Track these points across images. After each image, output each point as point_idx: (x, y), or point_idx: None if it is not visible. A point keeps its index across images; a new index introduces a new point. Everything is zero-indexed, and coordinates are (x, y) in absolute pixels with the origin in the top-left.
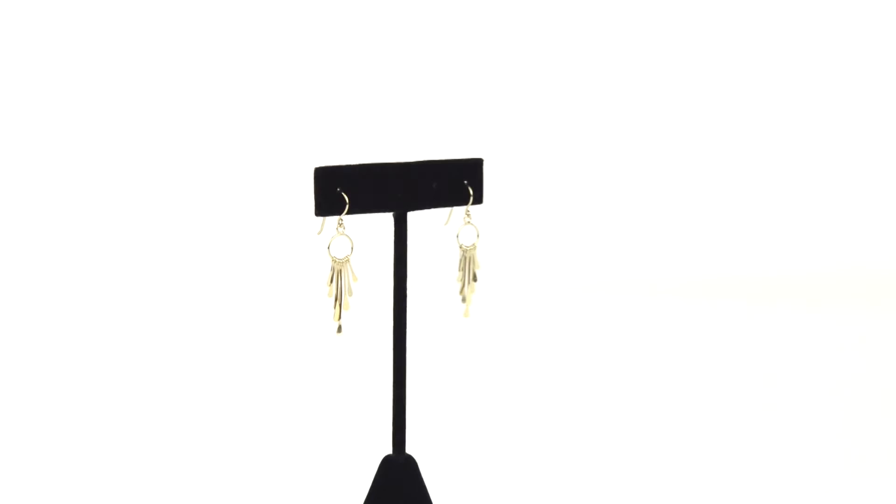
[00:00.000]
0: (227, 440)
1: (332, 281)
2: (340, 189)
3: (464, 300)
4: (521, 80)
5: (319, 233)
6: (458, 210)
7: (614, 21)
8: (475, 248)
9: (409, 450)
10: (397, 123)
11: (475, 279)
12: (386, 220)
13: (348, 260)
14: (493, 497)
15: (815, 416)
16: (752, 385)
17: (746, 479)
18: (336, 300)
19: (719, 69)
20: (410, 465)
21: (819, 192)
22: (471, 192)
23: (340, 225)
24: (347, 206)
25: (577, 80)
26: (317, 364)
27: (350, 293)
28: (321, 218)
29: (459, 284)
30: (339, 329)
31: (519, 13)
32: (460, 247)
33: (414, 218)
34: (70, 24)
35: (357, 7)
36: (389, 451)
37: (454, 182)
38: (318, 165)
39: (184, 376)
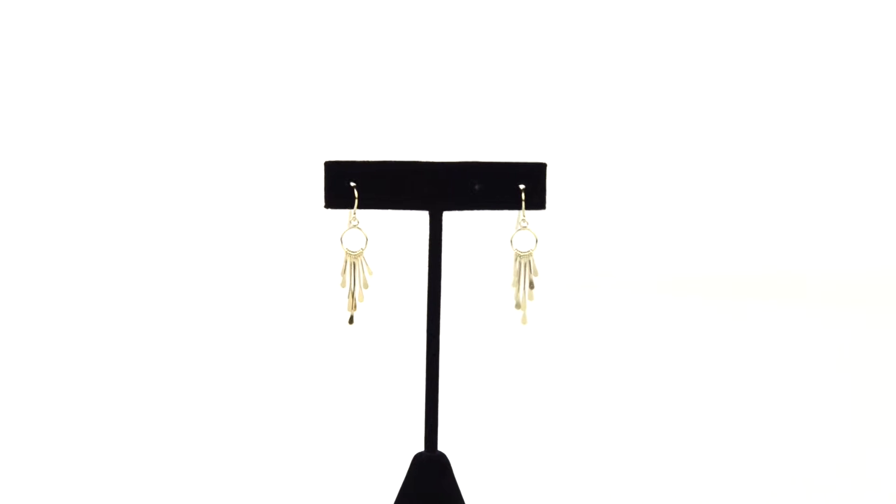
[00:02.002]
0: (259, 436)
1: (344, 272)
2: (354, 184)
3: (517, 306)
4: (573, 86)
5: (349, 225)
6: (517, 214)
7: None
8: (532, 254)
9: (440, 447)
10: (450, 125)
11: (532, 286)
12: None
13: (362, 253)
14: (524, 495)
15: (823, 413)
16: (785, 387)
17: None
18: (350, 292)
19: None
20: (442, 462)
21: (838, 197)
22: (523, 196)
23: (354, 219)
24: (357, 201)
25: (621, 84)
26: (350, 361)
27: (365, 286)
28: (347, 211)
29: (514, 290)
30: (352, 320)
31: (578, 22)
32: (515, 252)
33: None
34: (95, 21)
35: (430, 11)
36: (421, 448)
37: (504, 185)
38: (328, 160)
39: (208, 373)
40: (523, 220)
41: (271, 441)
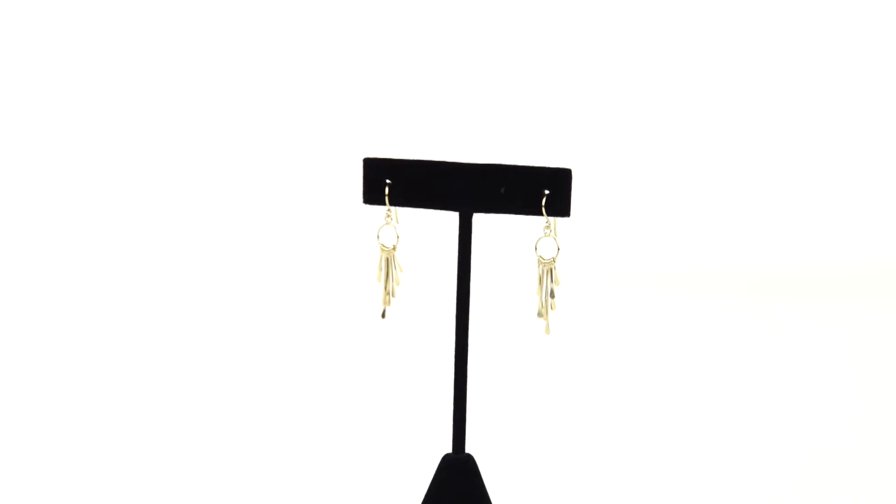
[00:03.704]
0: (283, 435)
1: (380, 267)
2: (389, 182)
3: (540, 315)
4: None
5: (397, 221)
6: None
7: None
8: (554, 262)
9: (468, 449)
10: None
11: (552, 295)
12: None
13: (395, 250)
14: (553, 497)
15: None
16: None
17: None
18: (384, 286)
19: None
20: (470, 464)
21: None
22: (543, 202)
23: (388, 216)
24: (388, 198)
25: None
26: (378, 361)
27: (397, 282)
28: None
29: (538, 298)
30: (384, 314)
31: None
32: (538, 259)
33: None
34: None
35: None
36: (449, 449)
37: (531, 190)
38: (367, 156)
39: (229, 367)
40: (547, 226)
41: (296, 440)
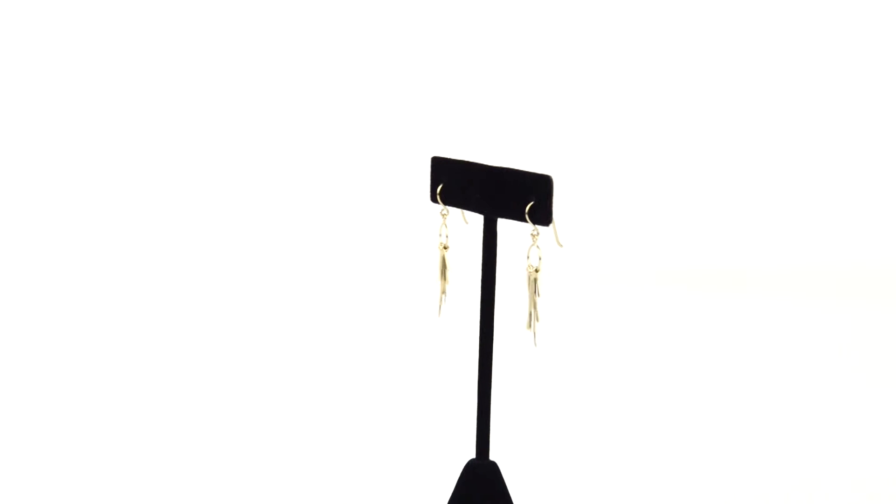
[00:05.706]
0: (303, 438)
1: (439, 266)
2: (442, 181)
3: (528, 326)
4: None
5: (466, 223)
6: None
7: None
8: (537, 272)
9: (493, 455)
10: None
11: (535, 306)
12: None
13: (446, 249)
14: None
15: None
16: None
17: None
18: (440, 285)
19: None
20: (494, 471)
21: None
22: (526, 209)
23: (443, 215)
24: (439, 197)
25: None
26: (404, 364)
27: (447, 281)
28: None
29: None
30: (439, 311)
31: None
32: (527, 267)
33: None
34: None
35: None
36: (473, 455)
37: (520, 196)
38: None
39: (269, 365)
40: (533, 234)
41: (317, 444)
